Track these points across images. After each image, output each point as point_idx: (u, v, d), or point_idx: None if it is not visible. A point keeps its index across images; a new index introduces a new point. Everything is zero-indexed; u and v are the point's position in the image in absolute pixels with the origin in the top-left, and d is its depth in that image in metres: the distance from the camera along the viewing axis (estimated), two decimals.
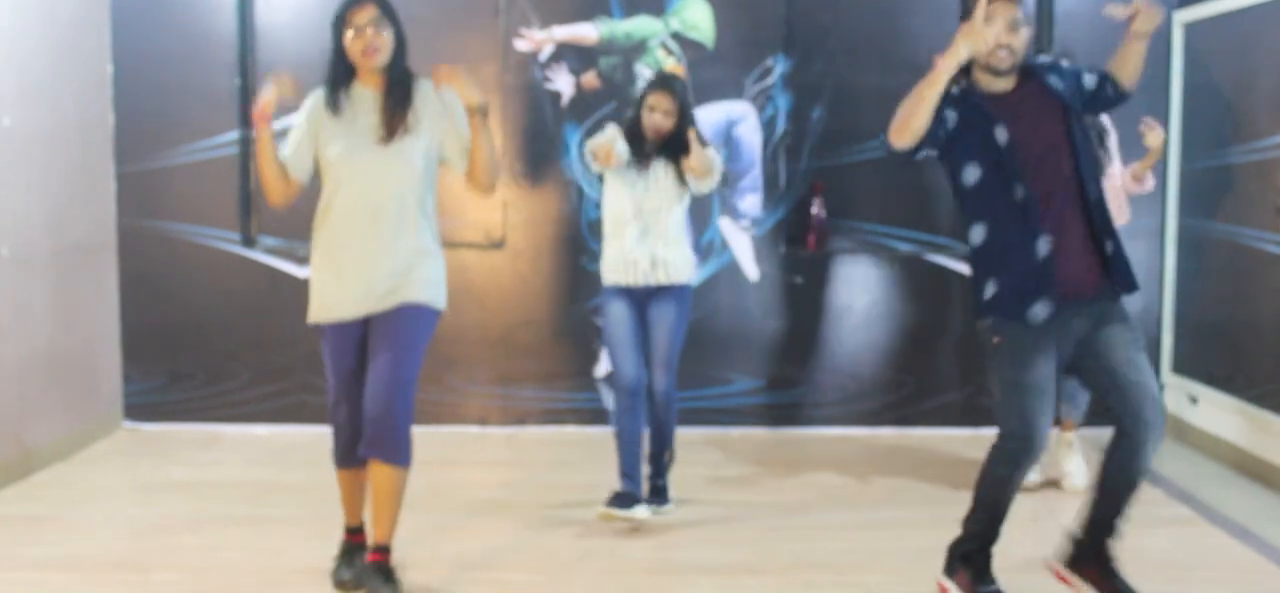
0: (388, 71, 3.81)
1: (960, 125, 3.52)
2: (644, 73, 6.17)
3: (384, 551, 3.90)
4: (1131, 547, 4.46)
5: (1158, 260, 6.25)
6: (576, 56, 6.21)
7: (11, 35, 5.25)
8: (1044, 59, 3.68)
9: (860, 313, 6.31)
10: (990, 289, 3.55)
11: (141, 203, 6.25)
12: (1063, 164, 3.50)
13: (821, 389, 6.34)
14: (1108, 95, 3.66)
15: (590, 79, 6.21)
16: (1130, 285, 3.55)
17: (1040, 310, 3.47)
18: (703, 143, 4.61)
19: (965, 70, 3.55)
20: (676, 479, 5.02)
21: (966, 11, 3.48)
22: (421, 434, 6.06)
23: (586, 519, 4.77)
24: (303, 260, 6.27)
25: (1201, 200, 5.94)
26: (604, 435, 6.10)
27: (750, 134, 6.22)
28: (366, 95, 3.84)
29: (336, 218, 3.82)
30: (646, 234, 4.66)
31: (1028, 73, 3.60)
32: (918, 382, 6.29)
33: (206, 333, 6.32)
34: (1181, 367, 6.16)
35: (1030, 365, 3.49)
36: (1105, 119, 5.24)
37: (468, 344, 6.22)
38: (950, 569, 3.79)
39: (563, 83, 6.20)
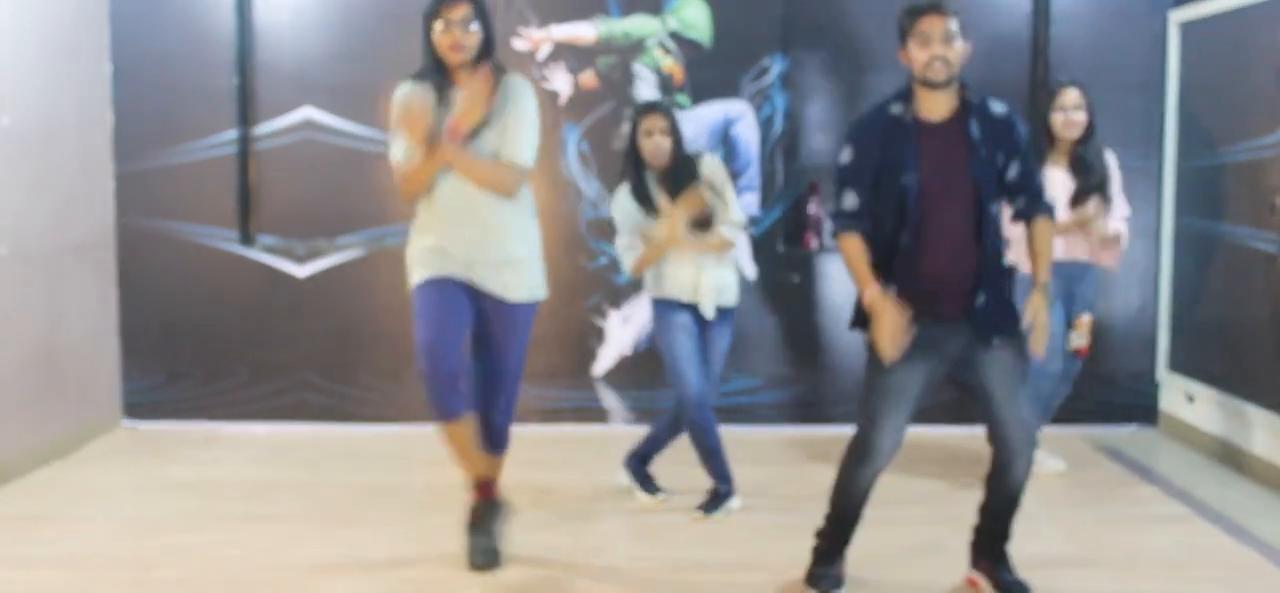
0: (473, 68, 3.93)
1: (884, 163, 3.65)
2: (642, 72, 6.18)
3: (484, 486, 4.22)
4: (1127, 545, 4.49)
5: (1154, 259, 6.26)
6: (574, 56, 6.21)
7: (10, 34, 5.25)
8: (995, 105, 3.71)
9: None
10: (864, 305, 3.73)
11: (140, 202, 6.25)
12: (961, 208, 3.61)
13: (819, 387, 6.35)
14: (1015, 199, 3.75)
15: (588, 78, 6.21)
16: (994, 330, 3.66)
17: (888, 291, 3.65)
18: (718, 197, 4.71)
19: (908, 92, 3.67)
20: (673, 478, 5.03)
21: (903, 32, 3.63)
22: (417, 433, 6.10)
23: (585, 516, 4.78)
24: (301, 258, 6.27)
25: (1197, 199, 5.95)
26: (602, 434, 6.12)
27: (748, 133, 6.23)
28: (456, 91, 3.96)
29: (436, 201, 3.96)
30: (691, 260, 4.73)
31: (964, 103, 3.66)
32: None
33: (205, 331, 6.33)
34: (1178, 365, 6.17)
35: (891, 371, 3.67)
36: (1111, 161, 5.23)
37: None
38: (809, 577, 3.98)
39: (561, 82, 6.20)
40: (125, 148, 6.22)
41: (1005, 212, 3.77)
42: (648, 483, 4.99)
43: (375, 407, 6.29)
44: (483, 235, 3.96)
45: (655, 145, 4.64)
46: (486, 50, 3.97)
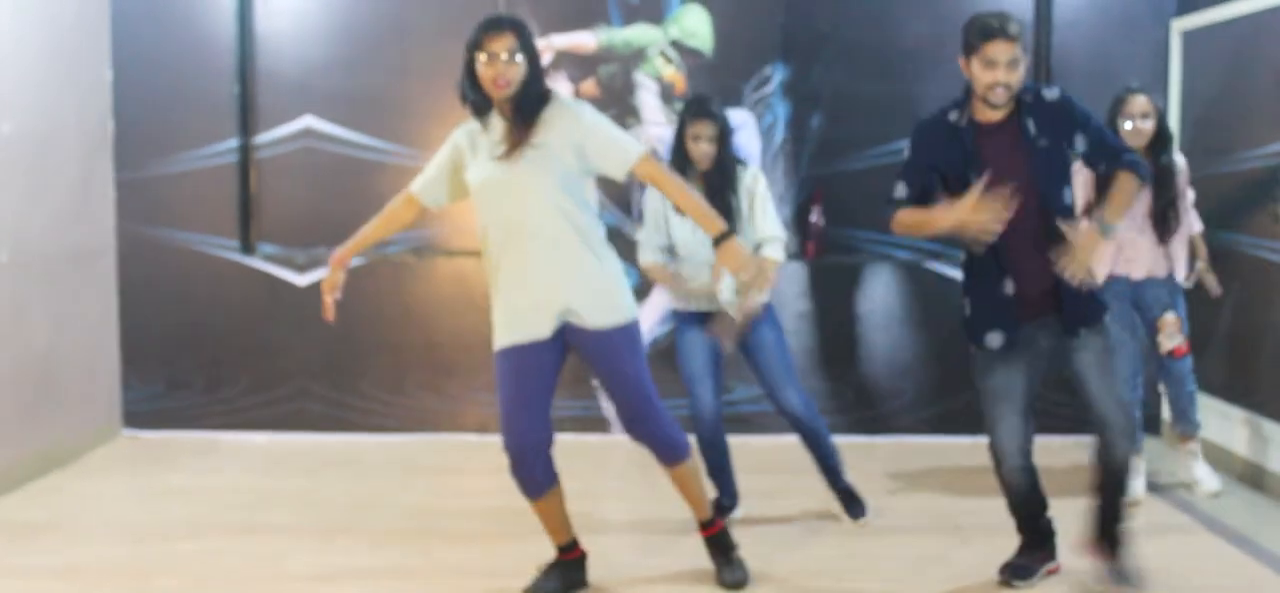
0: (519, 102, 3.71)
1: (946, 167, 3.78)
2: (643, 81, 6.17)
3: (710, 524, 4.11)
4: (1134, 555, 4.46)
5: None
6: (576, 65, 6.21)
7: (11, 41, 5.25)
8: (1047, 91, 3.75)
9: (860, 321, 6.30)
10: (965, 309, 3.91)
11: (141, 210, 6.24)
12: (1027, 204, 3.68)
13: (820, 397, 6.32)
14: (1095, 166, 3.86)
15: (589, 87, 6.21)
16: (1079, 322, 3.78)
17: (994, 339, 3.80)
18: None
19: (966, 99, 3.77)
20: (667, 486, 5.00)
21: (968, 47, 3.69)
22: (418, 442, 6.08)
23: (585, 526, 4.76)
24: (301, 267, 6.26)
25: (1201, 209, 5.92)
26: (602, 443, 6.09)
27: (749, 142, 6.18)
28: (498, 123, 3.77)
29: (489, 244, 3.81)
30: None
31: (1018, 102, 3.76)
32: (916, 389, 6.28)
33: (205, 340, 6.31)
34: None
35: (992, 375, 3.84)
36: (1182, 176, 5.10)
37: (467, 352, 6.20)
38: (1005, 567, 4.09)
39: (562, 90, 6.19)
40: (126, 156, 6.21)
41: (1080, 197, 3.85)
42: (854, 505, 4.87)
43: (376, 416, 6.27)
44: (548, 276, 3.77)
45: (702, 152, 4.53)
46: (534, 78, 3.73)
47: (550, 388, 3.88)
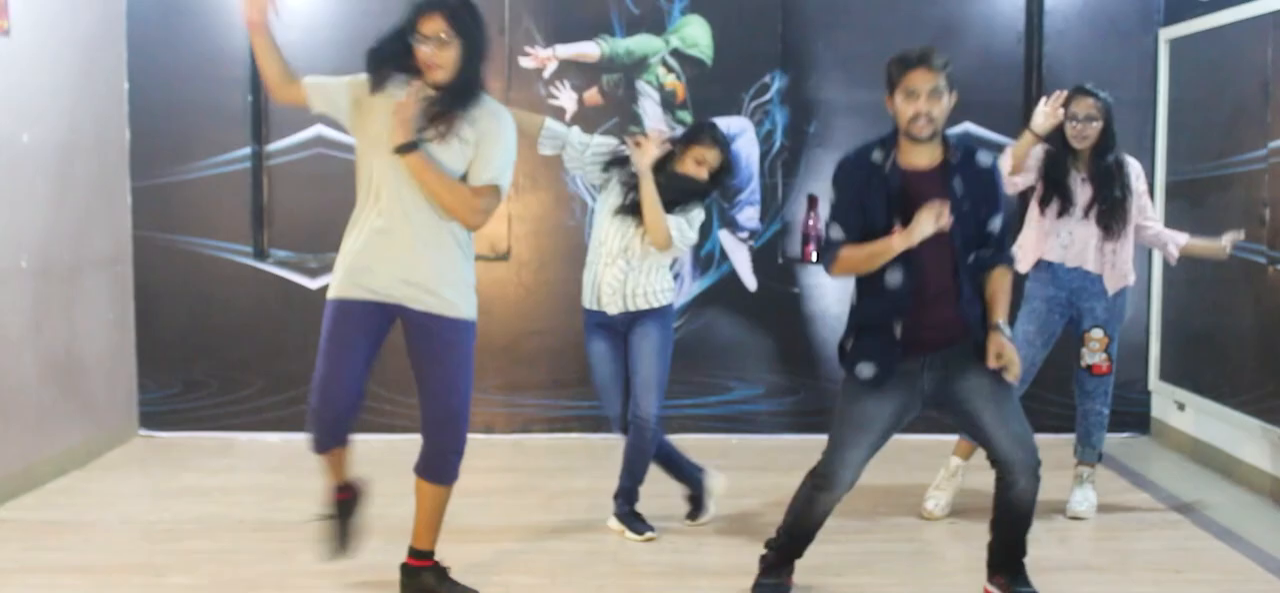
0: (448, 86, 3.60)
1: (868, 207, 3.59)
2: (645, 89, 6.18)
3: (425, 556, 3.97)
4: (1120, 549, 4.48)
5: (1145, 270, 6.24)
6: (579, 74, 6.22)
7: (31, 53, 5.26)
8: (981, 156, 3.67)
9: None
10: (846, 336, 3.73)
11: (156, 216, 6.25)
12: (943, 253, 3.55)
13: (818, 396, 6.33)
14: (984, 248, 3.68)
15: (593, 95, 6.22)
16: (973, 332, 3.63)
17: (865, 370, 3.63)
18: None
19: (892, 139, 3.61)
20: (673, 483, 5.01)
21: (890, 82, 3.57)
22: (412, 443, 6.07)
23: (590, 524, 4.77)
24: (313, 272, 6.28)
25: (1187, 211, 5.93)
26: (607, 442, 6.10)
27: (748, 148, 6.22)
28: (418, 87, 3.60)
29: (371, 200, 3.67)
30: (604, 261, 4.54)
31: (948, 153, 3.60)
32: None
33: (220, 343, 6.33)
34: (1168, 374, 6.16)
35: (858, 402, 3.65)
36: (1135, 172, 4.88)
37: (474, 353, 6.19)
38: (756, 586, 3.95)
39: (566, 99, 6.21)
40: (142, 164, 6.23)
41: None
42: (635, 523, 4.68)
43: (386, 416, 6.28)
44: (406, 256, 3.64)
45: (691, 172, 4.45)
46: (470, 64, 3.59)
47: (376, 352, 3.76)
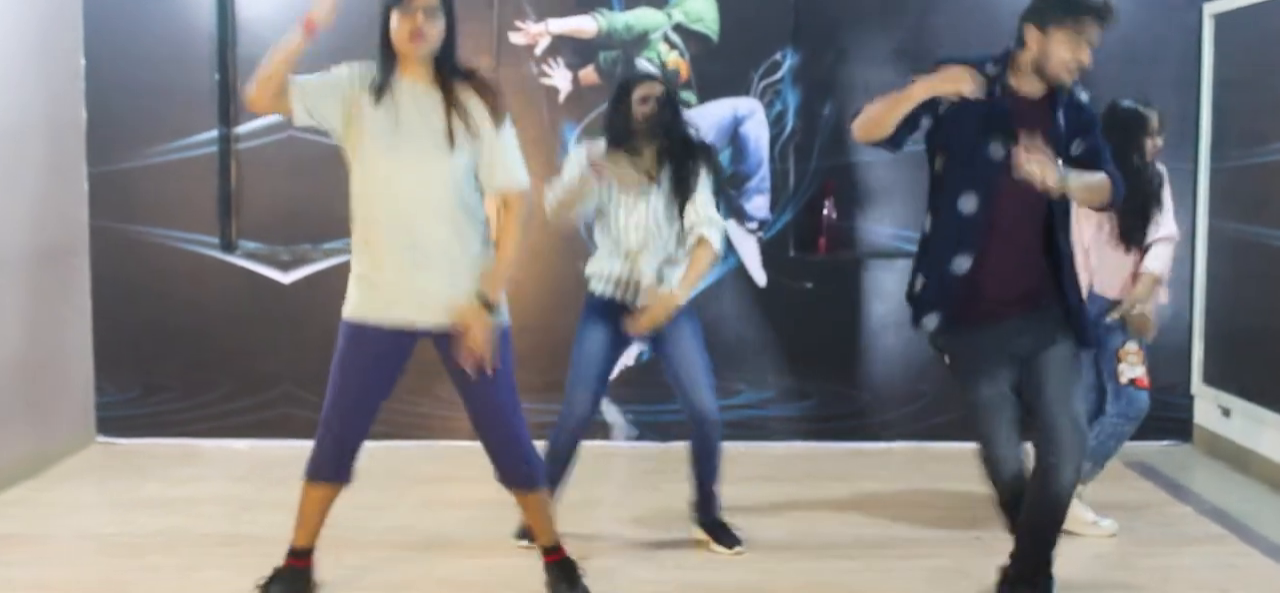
0: (438, 66, 3.66)
1: (957, 114, 3.60)
2: (647, 68, 6.17)
3: (553, 551, 4.07)
4: (1160, 565, 4.48)
5: (1187, 265, 6.25)
6: (574, 50, 6.22)
7: None
8: (1080, 92, 3.73)
9: (874, 320, 6.31)
10: (914, 286, 3.83)
11: (115, 205, 6.25)
12: (1032, 198, 3.58)
13: (833, 401, 6.34)
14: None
15: (589, 74, 6.22)
16: (1084, 343, 3.76)
17: (931, 321, 3.74)
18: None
19: (1006, 58, 3.66)
20: (680, 495, 5.01)
21: (1050, 16, 3.55)
22: (411, 449, 6.09)
23: (587, 537, 4.78)
24: (285, 265, 6.28)
25: (1233, 201, 5.94)
26: (603, 451, 6.10)
27: (757, 131, 6.23)
28: (407, 86, 3.67)
29: (383, 216, 3.68)
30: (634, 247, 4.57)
31: (1055, 92, 3.67)
32: (935, 393, 6.29)
33: (184, 342, 6.33)
34: (1213, 378, 6.16)
35: (975, 389, 3.79)
36: (1159, 183, 4.86)
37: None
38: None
39: (560, 78, 6.21)
40: (99, 148, 6.22)
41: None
42: (723, 533, 4.68)
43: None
44: (425, 277, 3.70)
45: (647, 111, 4.42)
46: (450, 44, 3.67)
47: (393, 383, 3.85)
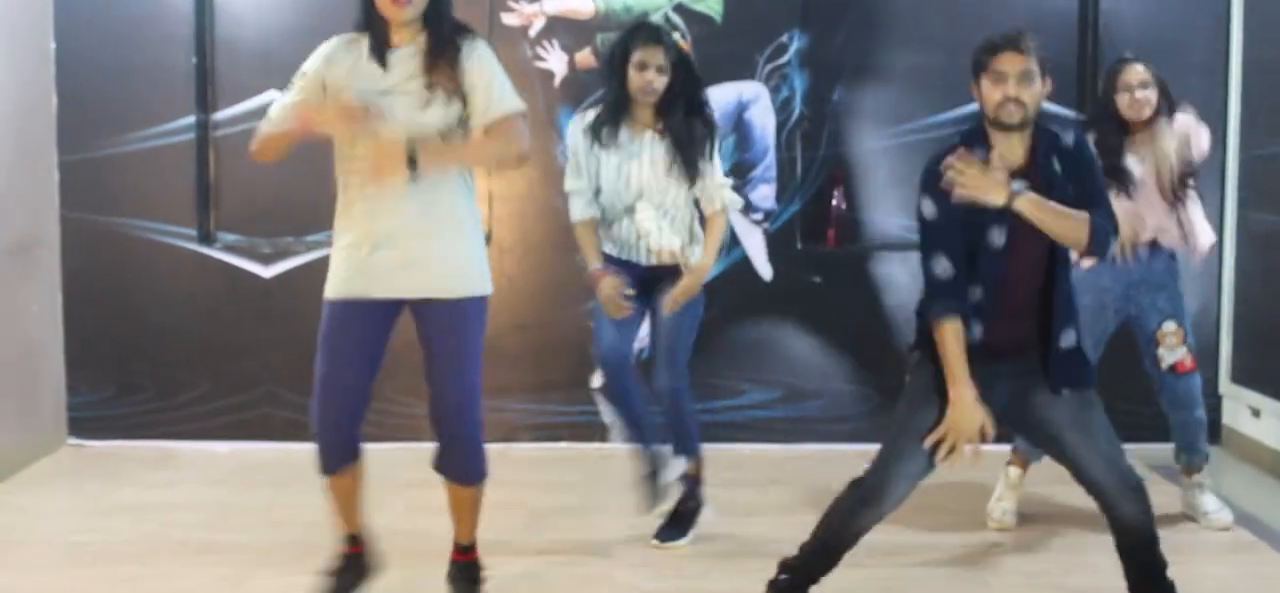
0: (427, 26, 3.66)
1: (970, 213, 3.58)
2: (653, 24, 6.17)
3: (469, 549, 4.10)
4: (1186, 575, 4.45)
5: (1215, 259, 6.23)
6: (570, 32, 6.21)
7: None
8: (1064, 137, 3.69)
9: (886, 316, 6.30)
10: (915, 342, 3.79)
11: (87, 194, 6.25)
12: (1037, 255, 3.61)
13: (843, 401, 6.33)
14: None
15: (585, 57, 6.21)
16: (1065, 382, 3.65)
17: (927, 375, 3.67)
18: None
19: (979, 135, 3.65)
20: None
21: (977, 67, 3.63)
22: (398, 452, 6.07)
23: (582, 545, 4.77)
24: (267, 258, 6.27)
25: (1264, 192, 5.93)
26: (601, 453, 6.10)
27: (763, 117, 6.22)
28: (393, 49, 3.67)
29: (354, 184, 3.69)
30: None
31: (1037, 140, 3.64)
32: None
33: (160, 339, 6.32)
34: (1242, 377, 6.15)
35: (916, 411, 3.71)
36: (1201, 136, 4.92)
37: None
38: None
39: (555, 61, 6.20)
40: (71, 135, 6.22)
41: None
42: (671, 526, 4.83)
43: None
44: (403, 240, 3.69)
45: (647, 82, 4.47)
46: (438, 7, 3.67)
47: (381, 357, 3.85)
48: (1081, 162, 3.67)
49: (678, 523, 4.80)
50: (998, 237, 3.57)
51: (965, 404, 3.54)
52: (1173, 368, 4.91)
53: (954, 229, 3.58)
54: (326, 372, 3.77)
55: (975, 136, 3.65)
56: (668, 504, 4.78)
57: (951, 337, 3.57)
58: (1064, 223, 3.52)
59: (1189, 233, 4.90)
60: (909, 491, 3.72)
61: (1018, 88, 3.54)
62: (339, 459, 3.89)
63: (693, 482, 4.84)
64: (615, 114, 4.56)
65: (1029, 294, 3.65)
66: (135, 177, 6.25)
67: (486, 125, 3.68)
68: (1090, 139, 4.72)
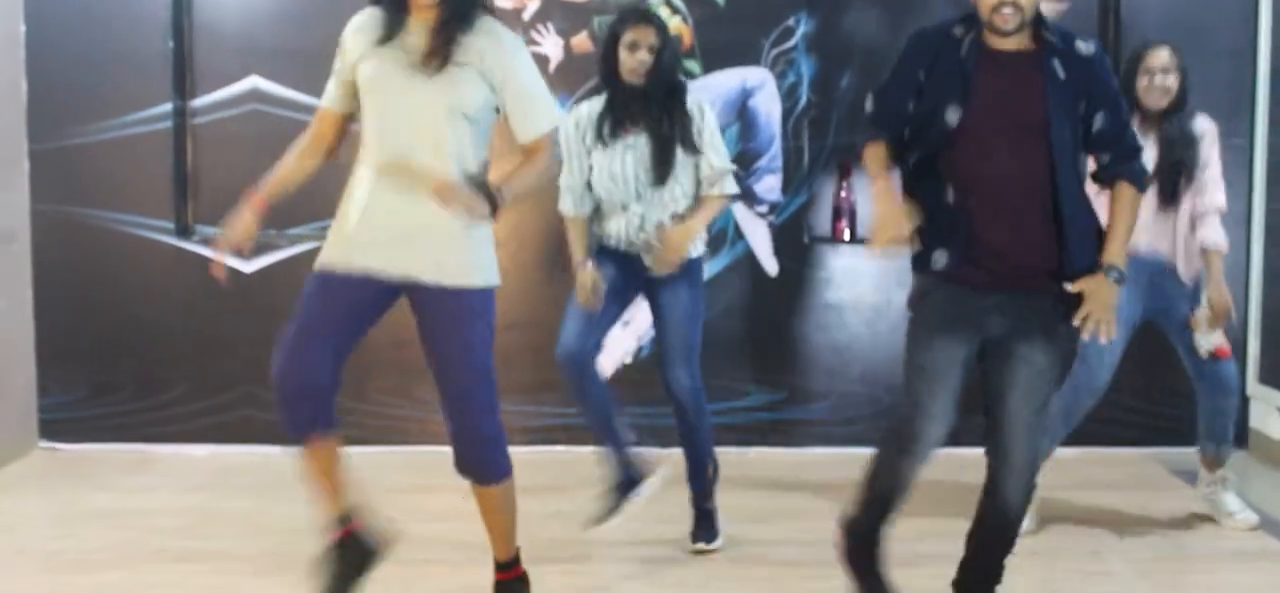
0: (444, 4, 3.65)
1: (931, 88, 3.64)
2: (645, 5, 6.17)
3: (510, 566, 4.06)
4: (1212, 584, 4.48)
5: (1243, 251, 6.25)
6: (566, 15, 6.22)
7: None
8: (1081, 44, 3.66)
9: (896, 314, 6.31)
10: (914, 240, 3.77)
11: (59, 185, 6.25)
12: (1028, 163, 3.56)
13: (851, 403, 6.34)
14: (1100, 154, 3.72)
15: (582, 41, 6.22)
16: (1073, 273, 3.60)
17: (940, 258, 3.66)
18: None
19: (975, 16, 3.63)
20: (682, 507, 5.01)
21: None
22: (388, 456, 6.09)
23: (578, 553, 4.79)
24: (247, 253, 6.27)
25: None
26: (599, 456, 6.09)
27: (768, 105, 6.23)
28: (413, 29, 3.67)
29: (367, 152, 3.71)
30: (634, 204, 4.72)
31: (1044, 36, 3.62)
32: (964, 392, 6.27)
33: (136, 337, 6.33)
34: (1270, 377, 6.16)
35: (924, 350, 3.76)
36: (1208, 133, 4.95)
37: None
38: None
39: (550, 45, 6.21)
40: (41, 124, 6.23)
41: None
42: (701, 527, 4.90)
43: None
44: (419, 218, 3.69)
45: (639, 61, 4.54)
46: None
47: (360, 334, 3.81)
48: (1104, 81, 3.62)
49: (707, 522, 4.85)
50: (952, 117, 3.56)
51: (888, 213, 3.62)
52: (1213, 353, 4.94)
53: (900, 86, 3.69)
54: (301, 324, 3.71)
55: (973, 19, 3.62)
56: (647, 500, 4.81)
57: (874, 152, 3.72)
58: (1130, 221, 3.62)
59: (1181, 250, 4.93)
60: (943, 432, 3.75)
61: None
62: (308, 420, 3.76)
63: (713, 484, 4.90)
64: (610, 108, 4.62)
65: (1021, 204, 3.57)
66: (109, 166, 6.25)
67: (527, 143, 3.74)
68: None
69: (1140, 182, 3.66)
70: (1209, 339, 4.92)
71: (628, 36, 4.55)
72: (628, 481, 4.79)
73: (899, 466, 3.79)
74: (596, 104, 4.66)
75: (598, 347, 4.75)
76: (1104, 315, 3.53)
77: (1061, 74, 3.56)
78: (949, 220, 3.61)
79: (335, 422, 3.82)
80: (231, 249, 3.80)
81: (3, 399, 6.08)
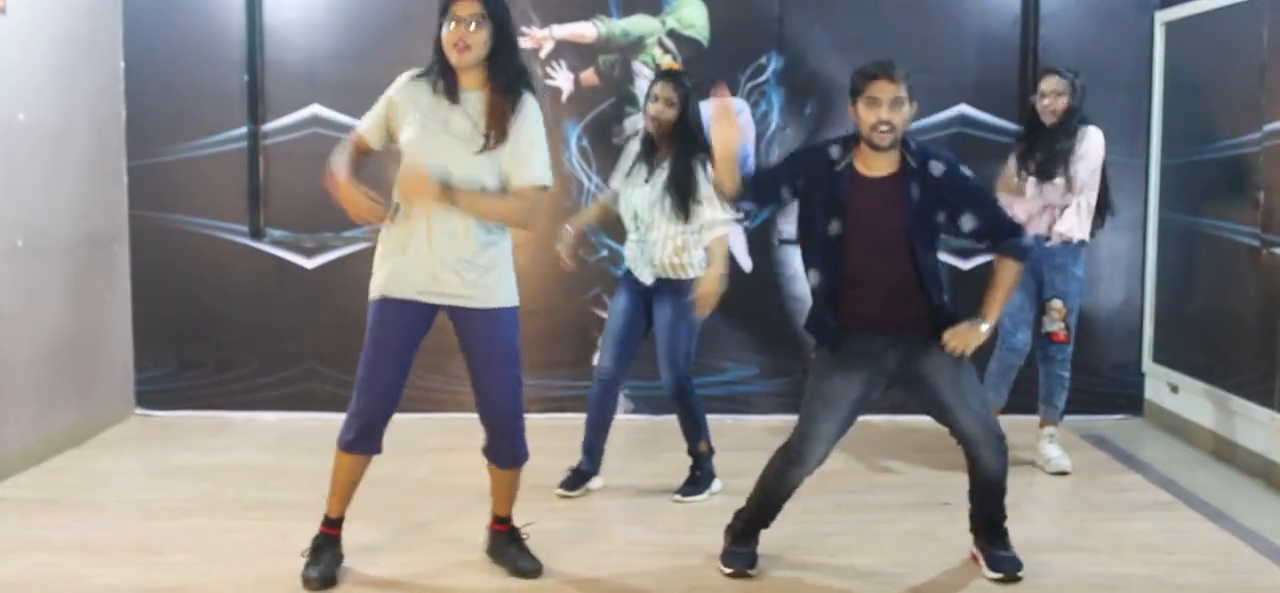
0: (490, 72, 3.65)
1: (806, 193, 3.79)
2: (642, 70, 6.18)
3: (505, 520, 4.09)
4: (1113, 530, 4.51)
5: (1139, 253, 6.27)
6: (576, 54, 6.22)
7: (27, 33, 5.25)
8: (933, 164, 3.72)
9: None
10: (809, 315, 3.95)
11: (152, 196, 6.25)
12: (897, 262, 3.70)
13: None
14: (981, 244, 3.96)
15: (589, 76, 6.22)
16: (942, 322, 3.76)
17: (830, 322, 3.82)
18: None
19: (852, 141, 3.76)
20: (672, 465, 5.03)
21: (853, 91, 3.74)
22: (423, 422, 6.10)
23: (584, 505, 4.80)
24: (309, 251, 6.29)
25: (1182, 194, 5.95)
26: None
27: (745, 128, 6.23)
28: (460, 88, 3.68)
29: (407, 206, 3.70)
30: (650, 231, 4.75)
31: (905, 163, 3.72)
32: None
33: (215, 322, 6.34)
34: (1161, 357, 6.18)
35: (825, 379, 3.83)
36: (1093, 142, 5.10)
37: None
38: (724, 556, 4.06)
39: (563, 79, 6.21)
40: (138, 144, 6.23)
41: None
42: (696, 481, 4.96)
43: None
44: (440, 251, 3.70)
45: (656, 111, 4.67)
46: (505, 51, 3.66)
47: (416, 348, 3.86)
48: (959, 188, 3.73)
49: (694, 485, 4.90)
50: (837, 228, 3.69)
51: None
52: (1049, 336, 5.22)
53: (779, 178, 3.87)
54: (370, 371, 3.80)
55: (849, 143, 3.76)
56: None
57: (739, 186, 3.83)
58: (1009, 287, 3.76)
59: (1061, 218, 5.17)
60: (827, 451, 3.87)
61: (889, 112, 3.62)
62: (364, 445, 3.87)
63: (705, 457, 4.93)
64: (644, 147, 4.77)
65: (902, 275, 3.70)
66: (194, 180, 6.25)
67: (516, 187, 3.70)
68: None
69: (1021, 255, 3.79)
70: (1050, 325, 5.22)
71: (653, 90, 4.72)
72: (589, 473, 4.94)
73: (788, 473, 3.92)
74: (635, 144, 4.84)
75: (626, 371, 4.86)
76: (965, 345, 3.71)
77: (917, 195, 3.68)
78: (834, 299, 3.80)
79: (381, 448, 3.92)
80: (376, 219, 3.70)
81: (105, 374, 6.09)
